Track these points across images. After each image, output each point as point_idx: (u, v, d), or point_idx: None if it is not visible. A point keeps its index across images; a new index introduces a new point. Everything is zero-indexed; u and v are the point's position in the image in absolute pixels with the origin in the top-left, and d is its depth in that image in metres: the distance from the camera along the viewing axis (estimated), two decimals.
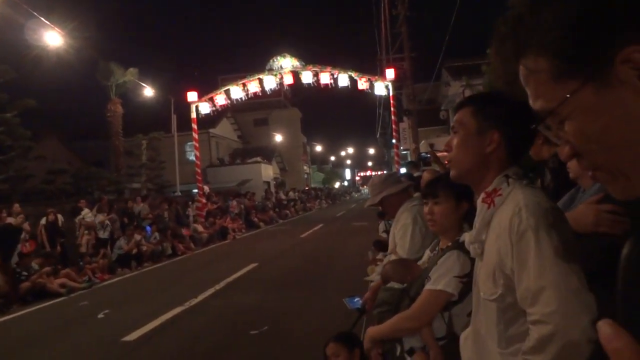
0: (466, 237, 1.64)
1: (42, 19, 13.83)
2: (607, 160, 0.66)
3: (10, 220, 10.93)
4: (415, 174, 7.26)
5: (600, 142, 0.65)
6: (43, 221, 12.12)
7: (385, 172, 13.75)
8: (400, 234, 2.96)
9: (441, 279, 2.02)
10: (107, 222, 13.36)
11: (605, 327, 0.46)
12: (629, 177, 0.65)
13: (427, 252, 2.35)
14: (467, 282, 1.95)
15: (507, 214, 1.38)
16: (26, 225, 11.22)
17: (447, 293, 2.00)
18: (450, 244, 2.12)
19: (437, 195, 2.16)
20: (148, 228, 14.07)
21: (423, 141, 21.21)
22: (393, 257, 2.98)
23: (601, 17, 0.62)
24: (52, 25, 14.37)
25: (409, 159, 21.17)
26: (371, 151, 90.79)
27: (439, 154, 6.97)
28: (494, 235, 1.42)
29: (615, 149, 0.64)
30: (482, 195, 1.48)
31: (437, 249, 2.23)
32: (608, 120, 0.63)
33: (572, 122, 0.66)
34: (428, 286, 2.05)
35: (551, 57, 0.66)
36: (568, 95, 0.65)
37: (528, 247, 1.30)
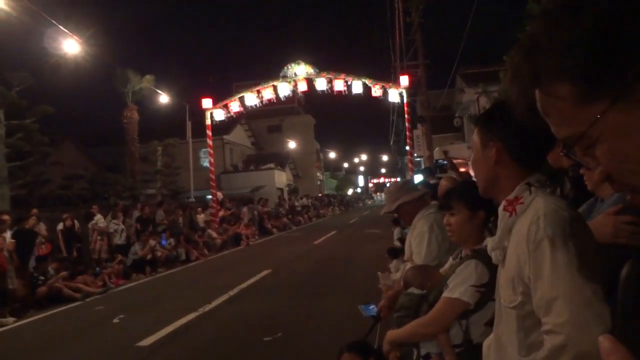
0: (489, 242, 1.64)
1: (61, 27, 14.10)
2: None
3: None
4: (431, 182, 7.23)
5: (635, 161, 0.62)
6: (60, 226, 12.27)
7: (399, 179, 13.72)
8: (417, 241, 2.96)
9: (458, 287, 2.02)
10: (123, 227, 13.47)
11: (604, 342, 0.46)
12: None
13: (450, 259, 2.36)
14: (484, 291, 1.95)
15: (527, 222, 1.39)
16: (42, 230, 11.34)
17: (463, 302, 2.00)
18: (469, 252, 2.12)
19: (451, 207, 2.20)
20: (163, 241, 14.13)
21: (437, 148, 21.12)
22: (409, 264, 2.98)
23: (621, 33, 0.60)
24: (70, 33, 14.63)
25: (423, 166, 21.10)
26: (384, 158, 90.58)
27: (455, 161, 6.95)
28: (515, 243, 1.44)
29: None
30: (504, 203, 1.50)
31: (459, 257, 2.24)
32: None
33: (603, 145, 0.64)
34: (445, 294, 2.06)
35: (573, 82, 0.63)
36: (598, 116, 0.62)
37: (543, 256, 1.31)
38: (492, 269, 1.79)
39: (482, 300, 1.97)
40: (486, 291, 1.93)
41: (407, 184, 3.39)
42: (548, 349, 1.28)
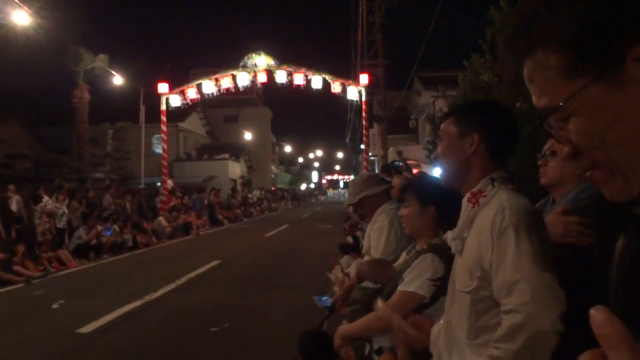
0: (449, 234, 1.73)
1: None
2: (608, 159, 0.66)
3: None
4: (387, 179, 7.29)
5: (604, 139, 0.64)
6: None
7: (353, 177, 13.80)
8: (376, 235, 2.98)
9: (414, 281, 2.04)
10: (65, 210, 12.93)
11: (597, 313, 0.46)
12: (627, 178, 0.65)
13: (404, 254, 2.38)
14: (439, 285, 1.97)
15: (490, 213, 1.48)
16: None
17: (418, 295, 2.02)
18: (425, 246, 2.14)
19: (405, 199, 2.28)
20: (108, 231, 13.63)
21: (392, 148, 21.40)
22: (367, 258, 2.99)
23: (615, 14, 0.62)
24: (20, 3, 13.91)
25: (377, 165, 21.33)
26: (339, 155, 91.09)
27: (408, 162, 7.06)
28: (476, 233, 1.52)
29: (618, 147, 0.64)
30: (468, 195, 1.59)
31: (413, 251, 2.26)
32: (614, 118, 0.63)
33: (577, 119, 0.66)
34: (400, 287, 2.07)
35: (564, 52, 0.66)
36: (577, 91, 0.64)
37: (508, 243, 1.40)
38: (448, 263, 1.82)
39: (436, 294, 2.00)
40: (441, 285, 1.96)
41: (372, 178, 3.39)
42: (507, 327, 1.35)
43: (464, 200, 1.61)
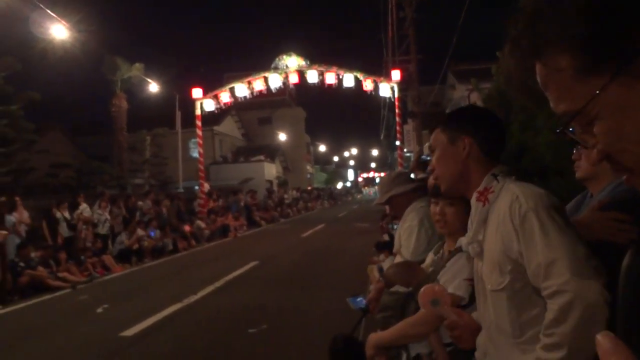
0: (462, 240, 1.70)
1: (48, 11, 13.83)
2: None
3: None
4: (419, 176, 7.18)
5: (635, 140, 0.59)
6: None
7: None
8: (406, 235, 2.91)
9: (450, 282, 1.96)
10: (107, 217, 13.29)
11: (604, 340, 0.43)
12: None
13: (431, 255, 2.30)
14: None
15: (504, 205, 1.47)
16: (25, 217, 11.18)
17: (457, 296, 1.92)
18: (458, 246, 2.07)
19: (439, 197, 2.14)
20: (152, 232, 14.03)
21: (427, 143, 21.11)
22: (398, 257, 2.93)
23: (628, 6, 0.57)
24: (58, 18, 14.37)
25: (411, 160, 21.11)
26: (374, 152, 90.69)
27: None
28: (494, 227, 1.50)
29: None
30: (475, 194, 1.58)
31: (441, 251, 2.19)
32: None
33: (602, 122, 0.61)
34: None
35: (574, 53, 0.61)
36: (597, 92, 0.59)
37: (532, 227, 1.38)
38: None
39: (474, 294, 1.93)
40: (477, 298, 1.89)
41: (401, 176, 3.31)
42: (556, 310, 1.30)
43: (473, 201, 1.60)
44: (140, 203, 15.76)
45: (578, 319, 1.26)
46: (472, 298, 1.94)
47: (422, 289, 1.76)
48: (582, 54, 0.60)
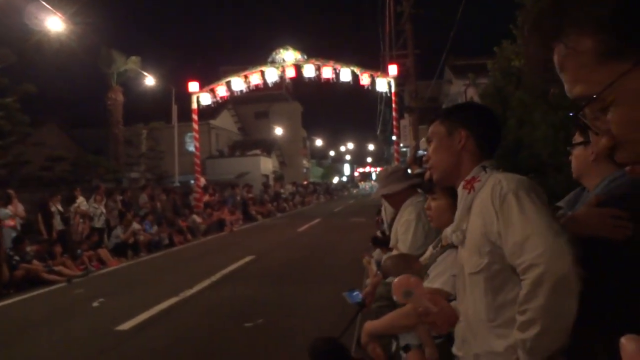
0: (447, 230, 1.77)
1: (44, 2, 13.73)
2: None
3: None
4: (416, 171, 7.19)
5: None
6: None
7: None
8: (403, 229, 2.92)
9: (439, 277, 1.99)
10: (102, 210, 13.26)
11: (628, 343, 0.43)
12: None
13: (430, 249, 2.33)
14: None
15: (487, 190, 1.53)
16: (20, 210, 11.15)
17: (444, 292, 1.96)
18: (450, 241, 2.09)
19: (434, 191, 2.22)
20: (148, 226, 14.03)
21: (423, 138, 21.13)
22: (395, 252, 2.94)
23: None
24: (54, 10, 14.27)
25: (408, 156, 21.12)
26: (371, 147, 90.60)
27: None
28: (477, 212, 1.56)
29: None
30: (462, 183, 1.65)
31: (439, 245, 2.21)
32: None
33: (618, 109, 0.59)
34: (426, 283, 2.02)
35: (599, 34, 0.59)
36: (620, 76, 0.57)
37: (510, 207, 1.44)
38: None
39: None
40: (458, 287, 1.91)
41: (397, 172, 3.30)
42: (528, 284, 1.34)
43: (459, 189, 1.66)
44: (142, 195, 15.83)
45: (549, 291, 1.29)
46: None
47: (395, 280, 1.81)
48: (605, 37, 0.59)
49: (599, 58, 0.60)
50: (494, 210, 1.47)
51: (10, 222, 10.32)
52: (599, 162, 1.70)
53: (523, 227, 1.38)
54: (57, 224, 12.03)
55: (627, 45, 0.57)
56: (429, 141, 1.80)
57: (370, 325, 2.28)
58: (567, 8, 0.62)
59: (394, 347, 2.23)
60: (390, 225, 3.42)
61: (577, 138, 1.76)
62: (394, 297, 1.86)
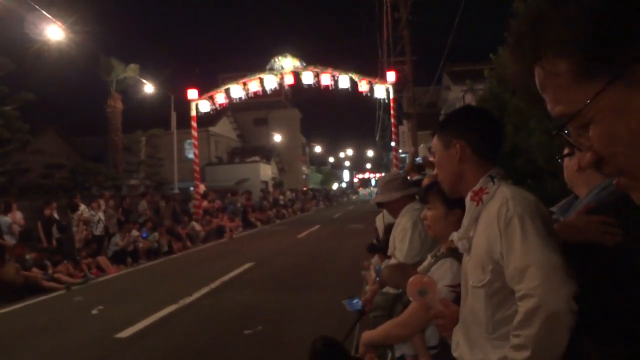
0: (454, 235, 1.76)
1: (44, 12, 13.78)
2: (633, 164, 0.62)
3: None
4: (414, 178, 7.20)
5: (629, 144, 0.61)
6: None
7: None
8: (400, 237, 2.93)
9: None
10: (100, 217, 13.26)
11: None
12: None
13: (429, 257, 2.33)
14: (459, 291, 1.93)
15: (495, 207, 1.53)
16: (19, 218, 11.15)
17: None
18: (445, 251, 2.10)
19: (428, 201, 2.23)
20: (144, 234, 14.00)
21: (422, 145, 21.19)
22: (393, 260, 2.95)
23: (628, 10, 0.58)
24: (53, 19, 14.32)
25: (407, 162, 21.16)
26: (370, 153, 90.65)
27: (431, 159, 6.96)
28: (483, 227, 1.57)
29: None
30: (470, 194, 1.65)
31: (438, 254, 2.22)
32: (637, 121, 0.59)
33: (597, 125, 0.62)
34: None
35: (573, 57, 0.61)
36: (595, 95, 0.60)
37: (514, 231, 1.45)
38: None
39: (456, 301, 1.94)
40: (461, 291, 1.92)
41: (395, 181, 3.30)
42: (523, 313, 1.37)
43: (467, 200, 1.66)
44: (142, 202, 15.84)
45: (541, 324, 1.32)
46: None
47: (410, 279, 1.83)
48: (579, 58, 0.61)
49: (575, 79, 0.62)
50: (499, 231, 1.48)
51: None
52: (584, 172, 1.74)
53: (524, 255, 1.40)
54: (55, 232, 12.03)
55: (599, 65, 0.60)
56: (433, 155, 1.84)
57: (367, 335, 2.29)
58: (542, 32, 0.65)
59: (389, 357, 2.23)
60: (386, 232, 3.44)
61: (567, 149, 1.79)
62: (409, 296, 1.88)
